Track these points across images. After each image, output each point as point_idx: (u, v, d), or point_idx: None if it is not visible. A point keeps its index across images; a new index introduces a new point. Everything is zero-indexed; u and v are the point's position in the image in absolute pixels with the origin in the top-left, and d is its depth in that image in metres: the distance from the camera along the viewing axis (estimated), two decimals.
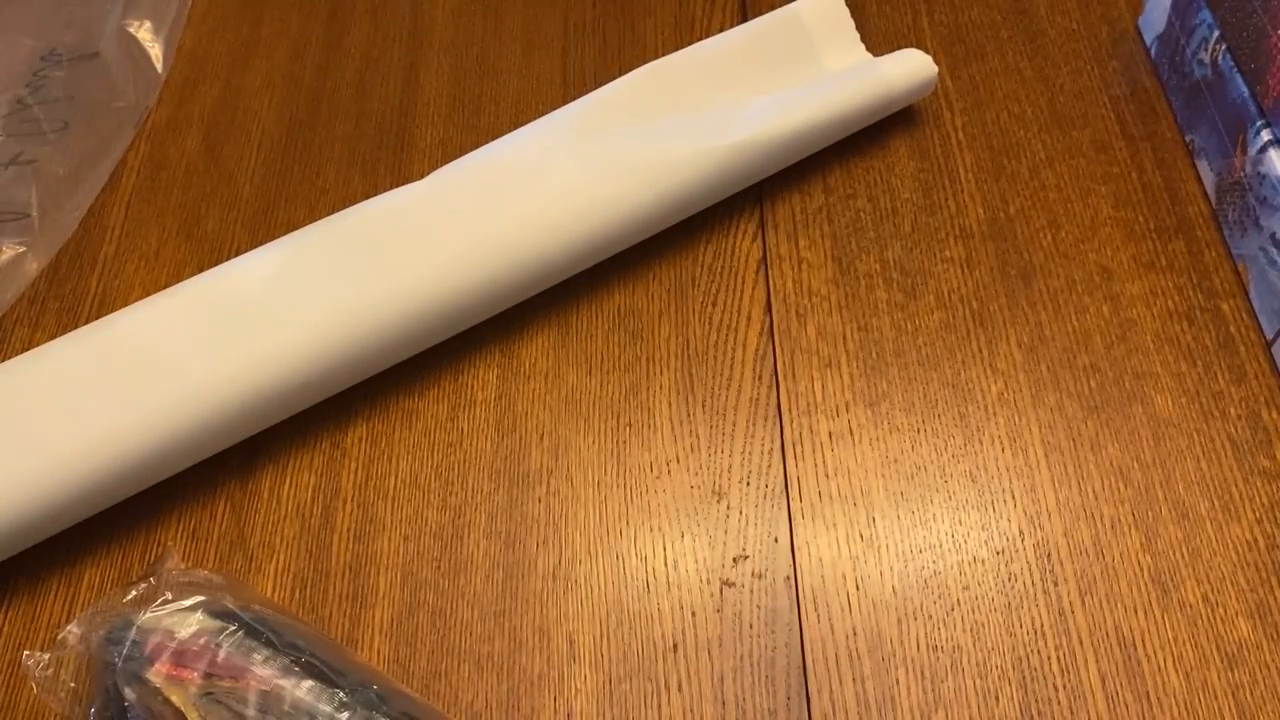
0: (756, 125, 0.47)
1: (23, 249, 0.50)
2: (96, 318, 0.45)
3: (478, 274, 0.44)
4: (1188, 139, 0.50)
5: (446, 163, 0.48)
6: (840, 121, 0.49)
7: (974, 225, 0.49)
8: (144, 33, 0.58)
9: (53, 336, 0.45)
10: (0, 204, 0.51)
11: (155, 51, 0.58)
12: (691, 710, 0.38)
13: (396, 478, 0.44)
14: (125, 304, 0.45)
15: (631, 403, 0.45)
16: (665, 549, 0.41)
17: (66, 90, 0.55)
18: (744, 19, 0.55)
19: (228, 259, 0.46)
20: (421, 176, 0.47)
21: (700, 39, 0.52)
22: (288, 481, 0.44)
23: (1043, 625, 0.39)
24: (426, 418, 0.45)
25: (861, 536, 0.41)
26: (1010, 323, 0.46)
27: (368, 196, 0.47)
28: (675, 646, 0.39)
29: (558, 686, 0.39)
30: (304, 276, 0.44)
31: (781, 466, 0.43)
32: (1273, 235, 0.43)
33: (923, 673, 0.38)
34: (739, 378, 0.45)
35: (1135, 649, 0.38)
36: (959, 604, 0.39)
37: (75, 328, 0.44)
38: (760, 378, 0.45)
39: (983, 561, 0.40)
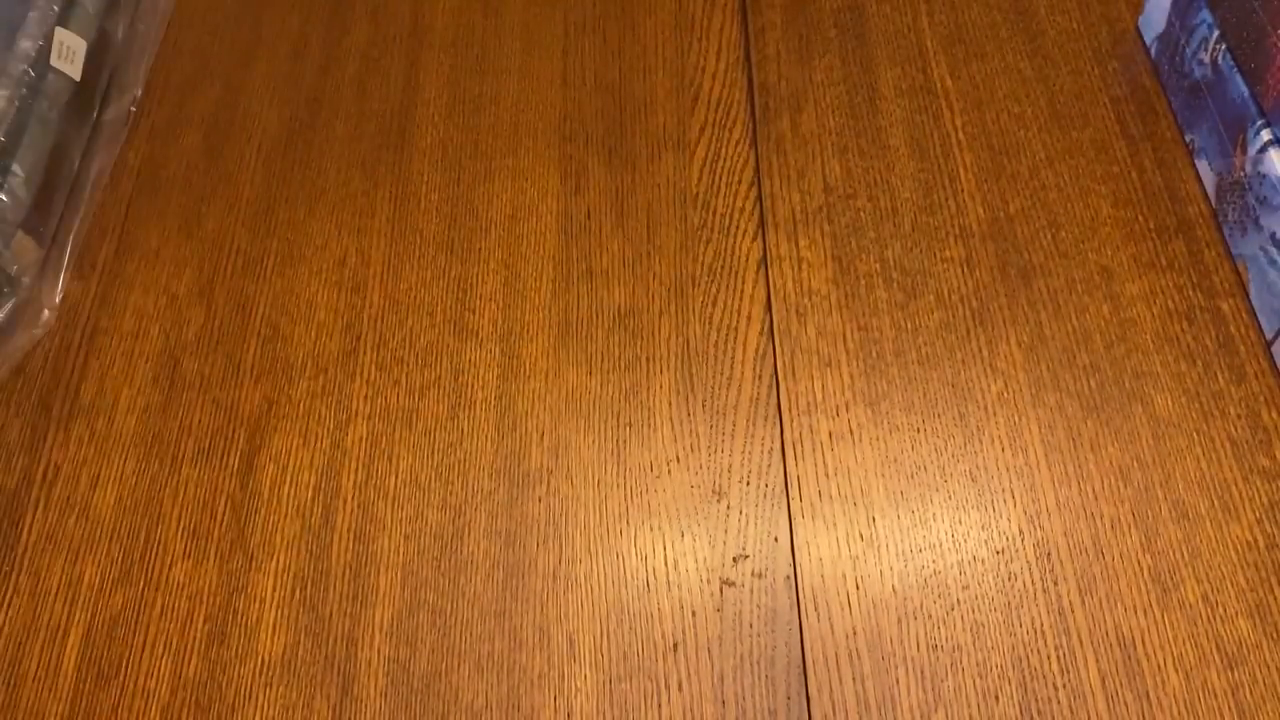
0: None
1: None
2: (98, 317, 0.45)
3: None
4: (1188, 139, 0.50)
5: (446, 161, 0.47)
6: None
7: (974, 225, 0.49)
8: (126, 35, 0.58)
9: (51, 336, 0.45)
10: None
11: (142, 52, 0.58)
12: (691, 709, 0.38)
13: (397, 477, 0.44)
14: (127, 304, 0.45)
15: (631, 402, 0.45)
16: (665, 548, 0.41)
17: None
18: (744, 18, 0.55)
19: (229, 258, 0.46)
20: (421, 174, 0.47)
21: (700, 38, 0.52)
22: (288, 481, 0.44)
23: (1043, 625, 0.39)
24: (427, 417, 0.45)
25: (861, 536, 0.41)
26: (1010, 322, 0.46)
27: (368, 195, 0.47)
28: (675, 646, 0.39)
29: (558, 686, 0.39)
30: None
31: (782, 466, 0.43)
32: (1273, 235, 0.43)
33: (923, 672, 0.38)
34: (739, 377, 0.45)
35: (1135, 648, 0.38)
36: (959, 603, 0.39)
37: (75, 328, 0.44)
38: (760, 377, 0.45)
39: (983, 561, 0.40)
